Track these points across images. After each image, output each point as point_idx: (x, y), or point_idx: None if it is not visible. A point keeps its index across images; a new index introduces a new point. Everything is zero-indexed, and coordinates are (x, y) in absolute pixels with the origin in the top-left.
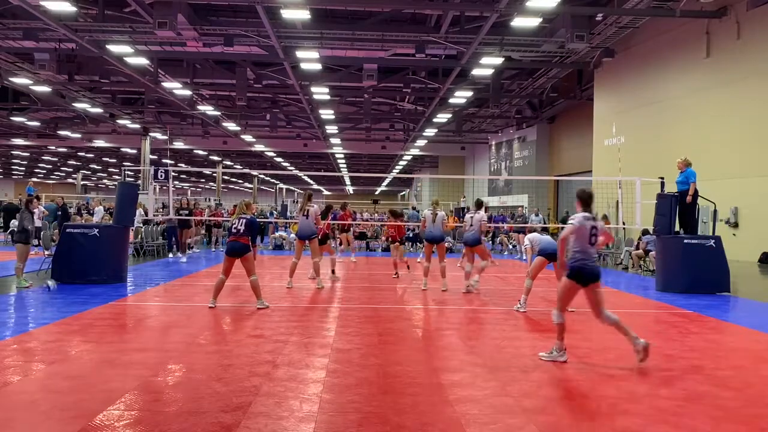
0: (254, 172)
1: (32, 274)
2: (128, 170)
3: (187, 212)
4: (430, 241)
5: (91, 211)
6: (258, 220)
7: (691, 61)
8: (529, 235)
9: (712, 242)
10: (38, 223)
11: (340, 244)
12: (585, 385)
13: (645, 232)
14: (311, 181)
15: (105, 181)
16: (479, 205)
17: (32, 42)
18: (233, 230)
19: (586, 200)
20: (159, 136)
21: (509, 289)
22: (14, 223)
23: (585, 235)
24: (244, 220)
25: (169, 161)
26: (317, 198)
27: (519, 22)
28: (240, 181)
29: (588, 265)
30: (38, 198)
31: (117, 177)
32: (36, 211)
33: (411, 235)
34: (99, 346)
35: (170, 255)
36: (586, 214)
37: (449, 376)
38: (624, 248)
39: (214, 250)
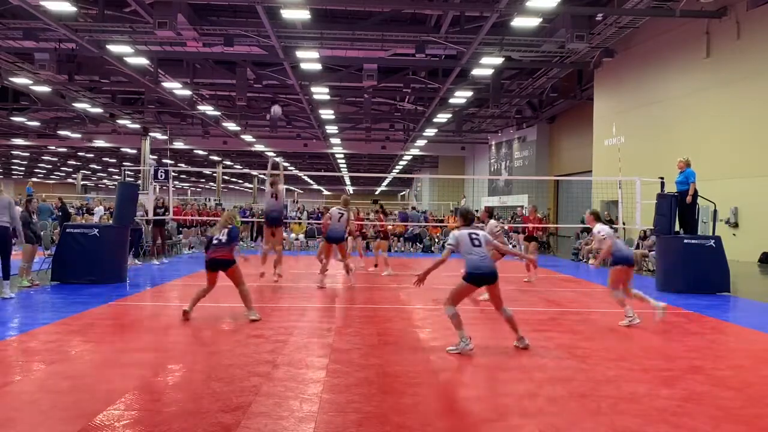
0: (254, 172)
1: (33, 273)
2: (128, 170)
3: (163, 211)
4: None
5: (92, 211)
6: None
7: (691, 61)
8: (605, 228)
9: (712, 242)
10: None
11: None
12: (585, 385)
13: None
14: (311, 181)
15: (105, 181)
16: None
17: (32, 42)
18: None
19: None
20: (159, 136)
21: (509, 288)
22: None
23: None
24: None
25: (169, 161)
26: (316, 198)
27: (519, 22)
28: (240, 181)
29: None
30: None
31: (117, 177)
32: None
33: (411, 234)
34: (99, 346)
35: (137, 261)
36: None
37: (449, 376)
38: None
39: None
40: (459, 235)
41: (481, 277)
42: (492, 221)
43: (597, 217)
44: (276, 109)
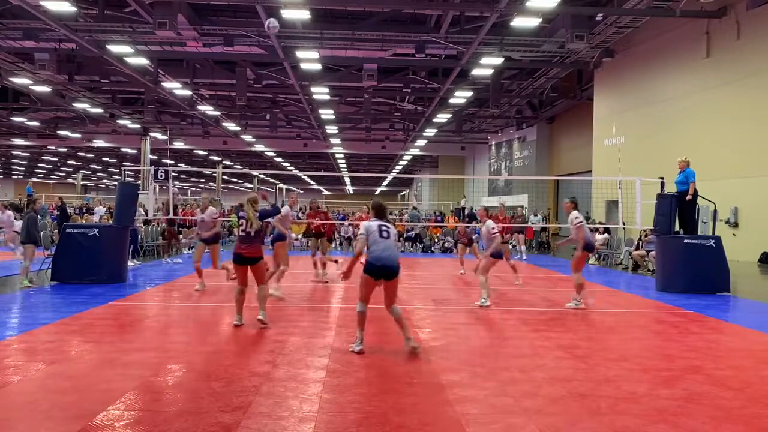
0: (254, 172)
1: (32, 273)
2: (128, 170)
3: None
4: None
5: (92, 211)
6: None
7: (691, 61)
8: (490, 223)
9: (712, 242)
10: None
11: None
12: (585, 385)
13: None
14: (311, 181)
15: (105, 181)
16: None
17: (32, 42)
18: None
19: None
20: (159, 136)
21: (509, 289)
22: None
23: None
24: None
25: (169, 161)
26: (316, 198)
27: (519, 22)
28: (240, 181)
29: None
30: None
31: (117, 177)
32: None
33: (413, 235)
34: (99, 346)
35: (136, 262)
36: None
37: (449, 376)
38: (624, 248)
39: None
40: (368, 226)
41: (379, 269)
42: (489, 221)
43: (488, 214)
44: (273, 22)
